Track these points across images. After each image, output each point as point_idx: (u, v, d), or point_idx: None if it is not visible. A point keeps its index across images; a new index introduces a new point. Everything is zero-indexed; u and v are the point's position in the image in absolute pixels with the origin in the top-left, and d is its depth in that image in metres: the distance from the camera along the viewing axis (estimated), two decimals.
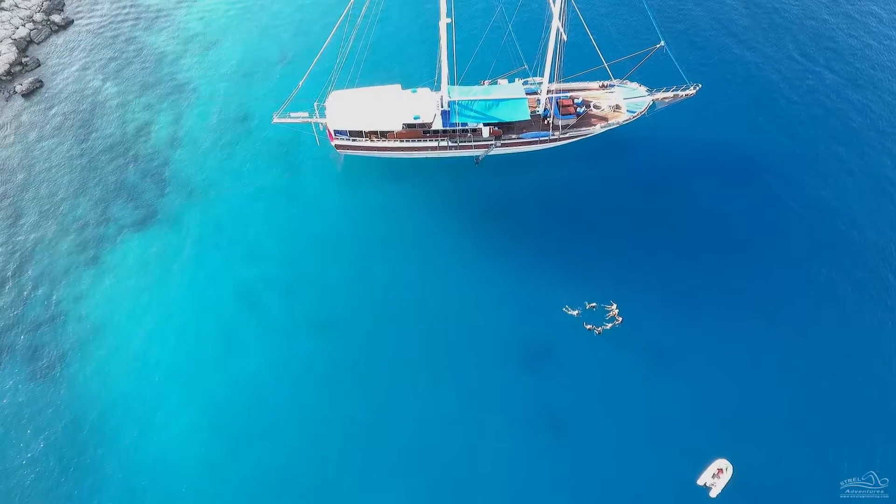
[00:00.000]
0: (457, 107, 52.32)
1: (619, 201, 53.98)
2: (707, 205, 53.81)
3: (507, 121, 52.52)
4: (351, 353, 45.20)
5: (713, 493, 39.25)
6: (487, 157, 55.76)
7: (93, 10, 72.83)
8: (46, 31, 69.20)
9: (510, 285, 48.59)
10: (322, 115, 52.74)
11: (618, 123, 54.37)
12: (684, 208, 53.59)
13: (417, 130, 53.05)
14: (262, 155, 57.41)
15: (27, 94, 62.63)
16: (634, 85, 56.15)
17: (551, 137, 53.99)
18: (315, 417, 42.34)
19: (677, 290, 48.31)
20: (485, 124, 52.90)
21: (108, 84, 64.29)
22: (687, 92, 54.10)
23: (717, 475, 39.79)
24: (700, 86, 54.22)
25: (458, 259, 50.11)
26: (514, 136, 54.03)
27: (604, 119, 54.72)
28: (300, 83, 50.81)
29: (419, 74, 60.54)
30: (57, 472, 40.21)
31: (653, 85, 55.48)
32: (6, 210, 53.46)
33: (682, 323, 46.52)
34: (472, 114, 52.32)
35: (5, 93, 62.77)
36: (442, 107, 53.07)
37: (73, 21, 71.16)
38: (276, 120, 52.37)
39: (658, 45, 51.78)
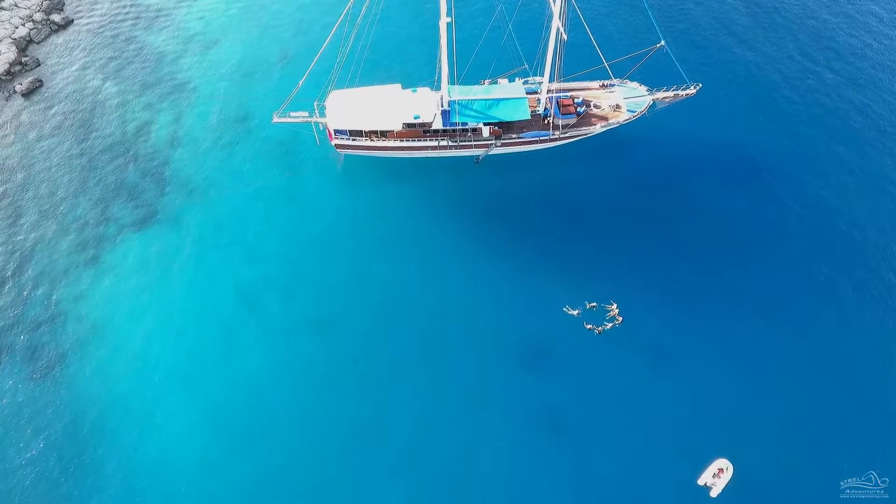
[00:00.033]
0: (457, 106, 52.26)
1: (620, 201, 53.95)
2: (707, 204, 53.78)
3: (508, 120, 52.48)
4: (351, 352, 45.18)
5: (713, 493, 39.23)
6: (487, 157, 55.73)
7: (93, 10, 72.77)
8: (46, 30, 69.15)
9: (510, 285, 48.57)
10: (322, 114, 52.70)
11: (618, 123, 54.33)
12: (684, 208, 53.56)
13: (417, 130, 52.98)
14: (262, 155, 57.38)
15: (27, 94, 62.58)
16: (635, 84, 56.10)
17: (551, 137, 53.95)
18: (315, 417, 42.32)
19: (677, 290, 48.29)
20: (485, 124, 52.83)
21: (107, 83, 64.25)
22: (687, 91, 54.05)
23: (717, 475, 39.77)
24: (700, 85, 54.18)
25: (458, 259, 50.09)
26: (514, 136, 53.97)
27: (604, 119, 54.66)
28: (300, 83, 50.79)
29: (419, 74, 60.49)
30: (57, 471, 40.19)
31: (653, 84, 55.43)
32: (6, 210, 53.43)
33: (682, 323, 46.50)
34: (473, 113, 52.25)
35: (5, 92, 62.73)
36: (442, 106, 53.01)
37: (72, 20, 71.11)
38: (276, 119, 52.34)
39: (658, 45, 51.73)
